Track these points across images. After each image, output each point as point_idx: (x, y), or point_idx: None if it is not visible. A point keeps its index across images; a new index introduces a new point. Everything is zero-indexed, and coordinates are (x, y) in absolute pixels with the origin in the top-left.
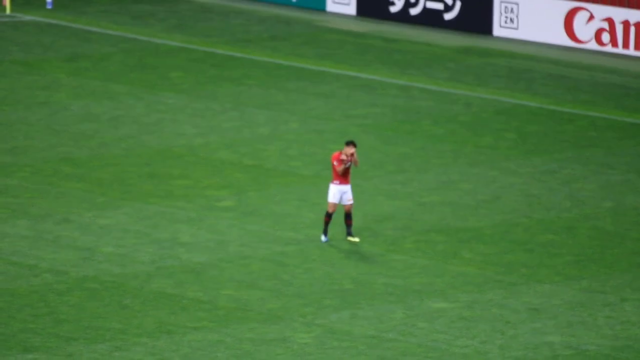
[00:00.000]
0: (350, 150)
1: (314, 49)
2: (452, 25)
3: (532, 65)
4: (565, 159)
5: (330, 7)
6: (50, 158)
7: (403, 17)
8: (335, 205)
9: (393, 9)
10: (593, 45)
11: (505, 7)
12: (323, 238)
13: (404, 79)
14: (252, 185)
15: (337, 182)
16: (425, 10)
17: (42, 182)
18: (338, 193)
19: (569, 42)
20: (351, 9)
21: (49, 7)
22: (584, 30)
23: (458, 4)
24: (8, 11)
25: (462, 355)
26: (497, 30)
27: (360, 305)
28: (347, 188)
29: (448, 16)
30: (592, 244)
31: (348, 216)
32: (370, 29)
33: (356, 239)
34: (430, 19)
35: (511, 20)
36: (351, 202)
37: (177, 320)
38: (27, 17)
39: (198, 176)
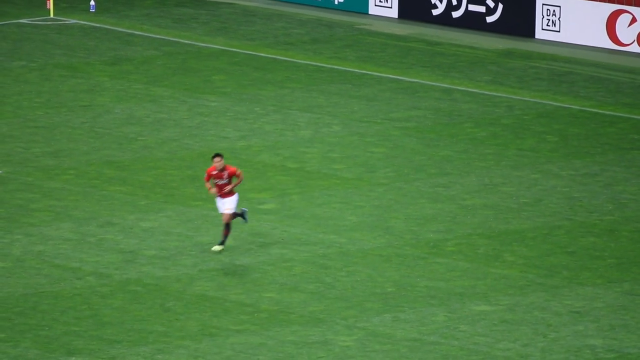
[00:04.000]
0: (218, 162)
1: (355, 52)
2: (494, 28)
3: (574, 68)
4: (607, 161)
5: (373, 9)
6: (94, 161)
7: (445, 19)
8: (226, 216)
9: (435, 12)
10: (635, 48)
11: (547, 10)
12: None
13: (446, 82)
14: (294, 188)
15: (219, 196)
16: (467, 13)
17: (86, 185)
18: (221, 205)
19: (611, 45)
20: (393, 12)
21: (92, 10)
22: (626, 33)
23: (500, 7)
24: (51, 14)
25: (504, 358)
26: (539, 33)
27: (402, 308)
28: (226, 199)
29: (490, 19)
30: (634, 247)
31: (226, 226)
32: (412, 31)
33: (218, 248)
34: (473, 21)
35: (553, 23)
36: (230, 211)
37: (220, 323)
38: (71, 21)
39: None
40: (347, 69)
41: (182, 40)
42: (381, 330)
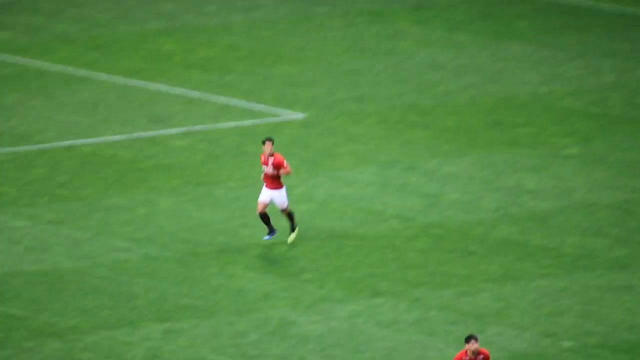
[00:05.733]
0: (266, 148)
1: None
2: None
3: None
4: None
5: None
6: (397, 106)
7: None
8: (263, 204)
9: None
10: None
11: None
12: (266, 237)
13: None
14: (598, 133)
15: (265, 184)
16: None
17: (389, 130)
18: (267, 196)
19: None
20: None
21: None
22: None
23: None
24: None
25: None
26: None
27: None
28: (276, 193)
29: None
30: None
31: (289, 216)
32: None
33: (292, 237)
34: None
35: None
36: (284, 206)
37: (523, 267)
38: None
39: (543, 124)
40: None
41: None
42: None
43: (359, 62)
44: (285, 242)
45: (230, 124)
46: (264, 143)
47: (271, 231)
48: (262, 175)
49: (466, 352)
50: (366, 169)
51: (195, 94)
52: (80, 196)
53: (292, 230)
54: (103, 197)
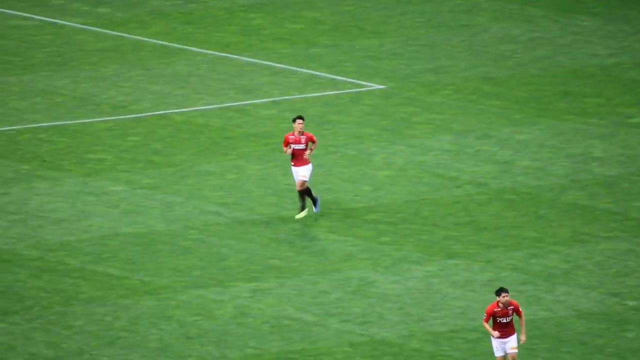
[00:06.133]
0: (298, 126)
1: None
2: None
3: None
4: None
5: None
6: (471, 77)
7: None
8: (300, 183)
9: None
10: None
11: None
12: (314, 209)
13: None
14: None
15: (292, 164)
16: None
17: (464, 100)
18: (295, 174)
19: None
20: None
21: None
22: None
23: None
24: None
25: None
26: None
27: None
28: (306, 168)
29: None
30: None
31: (301, 194)
32: None
33: (302, 215)
34: None
35: None
36: (305, 178)
37: (590, 230)
38: None
39: (610, 94)
40: None
41: None
42: None
43: (436, 36)
44: (366, 207)
45: (315, 95)
46: (294, 121)
47: (315, 201)
48: (289, 152)
49: (497, 303)
50: (442, 137)
51: (282, 66)
52: (173, 162)
53: (302, 209)
54: (195, 164)
